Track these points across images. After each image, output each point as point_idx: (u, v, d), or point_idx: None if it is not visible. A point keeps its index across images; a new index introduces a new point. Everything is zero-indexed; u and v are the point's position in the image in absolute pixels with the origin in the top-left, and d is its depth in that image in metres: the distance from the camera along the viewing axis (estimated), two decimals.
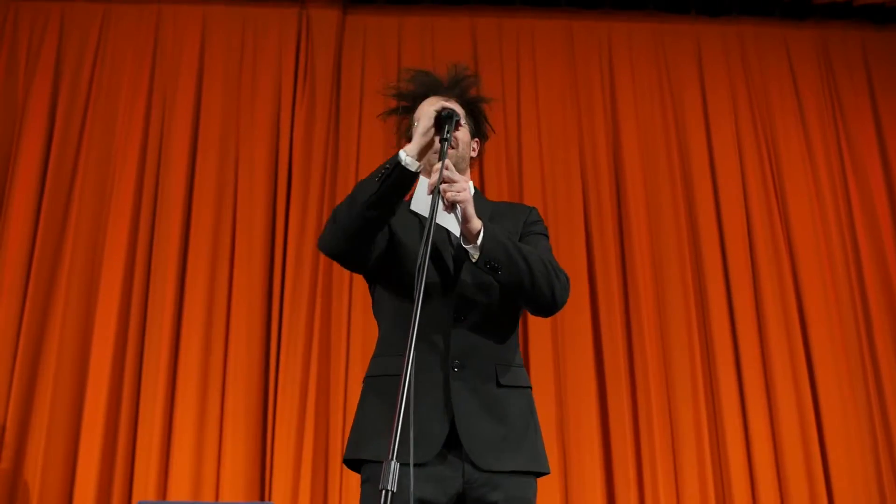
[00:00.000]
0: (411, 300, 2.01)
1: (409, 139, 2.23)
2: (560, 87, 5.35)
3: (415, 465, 1.68)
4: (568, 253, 4.94)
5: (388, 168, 2.00)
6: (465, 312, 2.12)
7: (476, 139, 2.40)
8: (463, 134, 2.29)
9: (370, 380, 2.18)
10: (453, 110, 2.07)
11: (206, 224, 4.82)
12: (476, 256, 2.05)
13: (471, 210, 2.04)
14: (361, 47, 5.33)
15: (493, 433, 2.04)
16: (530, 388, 2.22)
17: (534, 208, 2.42)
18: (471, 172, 2.40)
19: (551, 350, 4.75)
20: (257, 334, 4.63)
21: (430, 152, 2.08)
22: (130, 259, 4.74)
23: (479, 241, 2.04)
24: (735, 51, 5.56)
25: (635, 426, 4.71)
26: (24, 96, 5.01)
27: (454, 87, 2.37)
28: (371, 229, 2.05)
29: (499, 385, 2.11)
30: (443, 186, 2.01)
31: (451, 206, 2.03)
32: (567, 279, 2.22)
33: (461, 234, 2.07)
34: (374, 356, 2.22)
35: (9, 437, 4.37)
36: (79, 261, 4.70)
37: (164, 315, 4.62)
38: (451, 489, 1.99)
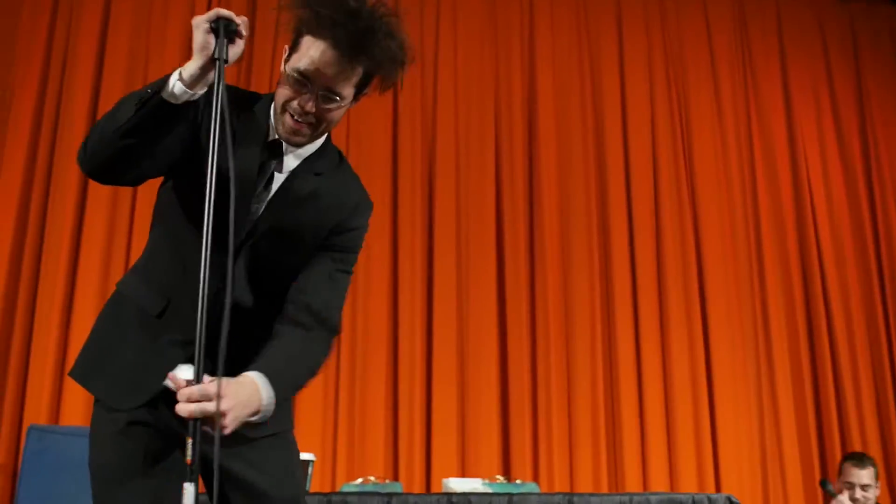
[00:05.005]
0: (182, 231, 1.82)
1: (290, 49, 1.83)
2: (479, 32, 5.33)
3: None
4: (478, 199, 5.01)
5: (147, 94, 1.66)
6: (234, 283, 1.79)
7: (364, 94, 1.90)
8: (338, 113, 1.84)
9: (119, 298, 1.93)
10: (230, 19, 1.66)
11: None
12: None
13: (243, 415, 1.63)
14: None
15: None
16: None
17: (366, 210, 2.01)
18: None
19: (455, 295, 4.83)
20: None
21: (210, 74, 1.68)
22: (29, 173, 4.64)
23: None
24: (654, 2, 5.62)
25: (533, 378, 4.84)
26: None
27: (361, 44, 1.76)
28: (129, 156, 1.70)
29: (249, 353, 1.81)
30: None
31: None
32: (334, 338, 1.94)
33: None
34: (135, 270, 1.97)
35: None
36: None
37: (63, 228, 4.55)
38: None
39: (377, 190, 4.84)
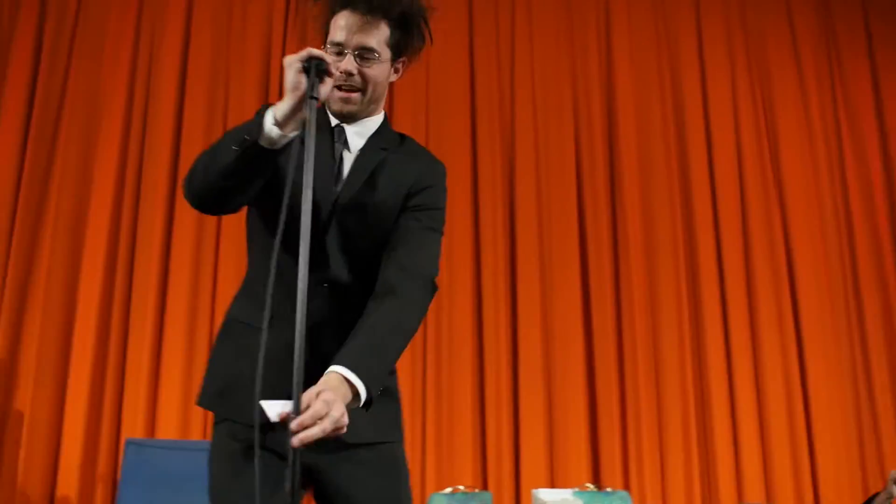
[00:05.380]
0: (272, 246, 1.81)
1: (324, 43, 1.97)
2: (555, 29, 5.27)
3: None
4: (559, 199, 4.95)
5: (245, 140, 1.74)
6: (327, 277, 1.92)
7: (403, 59, 2.03)
8: (378, 70, 1.95)
9: (227, 322, 2.02)
10: (321, 58, 1.73)
11: (195, 155, 4.75)
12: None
13: (344, 419, 1.62)
14: None
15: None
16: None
17: (439, 170, 2.06)
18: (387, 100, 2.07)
19: (539, 299, 4.79)
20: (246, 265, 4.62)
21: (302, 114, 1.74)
22: (119, 189, 4.71)
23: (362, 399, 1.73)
24: None
25: (621, 383, 4.77)
26: (10, 30, 4.88)
27: (376, 4, 1.92)
28: (231, 194, 1.83)
29: None
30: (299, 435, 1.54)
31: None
32: (431, 294, 1.94)
33: None
34: (239, 294, 2.05)
35: None
36: (67, 191, 4.66)
37: (152, 245, 4.61)
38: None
39: (457, 191, 4.84)
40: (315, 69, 1.71)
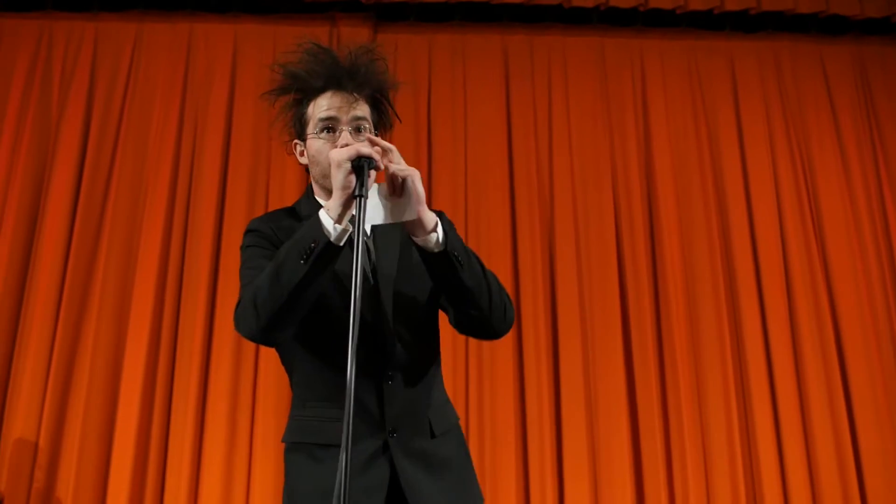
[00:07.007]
0: (329, 354, 1.88)
1: (299, 134, 2.04)
2: (592, 105, 5.30)
3: None
4: (600, 271, 4.93)
5: (314, 248, 1.72)
6: (394, 366, 1.92)
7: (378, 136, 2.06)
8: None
9: (294, 447, 1.97)
10: (369, 156, 1.74)
11: (237, 243, 4.81)
12: (438, 247, 1.83)
13: (422, 189, 1.81)
14: (392, 65, 5.26)
15: (435, 486, 1.90)
16: (458, 419, 2.08)
17: (444, 216, 2.09)
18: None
19: (582, 375, 4.74)
20: None
21: (351, 211, 1.76)
22: (162, 279, 4.75)
23: (439, 232, 1.84)
24: (770, 68, 5.48)
25: (665, 422, 4.74)
26: (59, 114, 5.02)
27: (355, 77, 2.00)
28: (303, 311, 1.81)
29: (433, 436, 1.96)
30: (392, 168, 1.78)
31: (398, 188, 1.79)
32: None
33: (410, 224, 1.83)
34: (293, 416, 2.01)
35: (41, 457, 4.39)
36: (111, 281, 4.70)
37: (194, 334, 4.63)
38: None
39: (498, 262, 4.85)
40: (367, 167, 1.73)
